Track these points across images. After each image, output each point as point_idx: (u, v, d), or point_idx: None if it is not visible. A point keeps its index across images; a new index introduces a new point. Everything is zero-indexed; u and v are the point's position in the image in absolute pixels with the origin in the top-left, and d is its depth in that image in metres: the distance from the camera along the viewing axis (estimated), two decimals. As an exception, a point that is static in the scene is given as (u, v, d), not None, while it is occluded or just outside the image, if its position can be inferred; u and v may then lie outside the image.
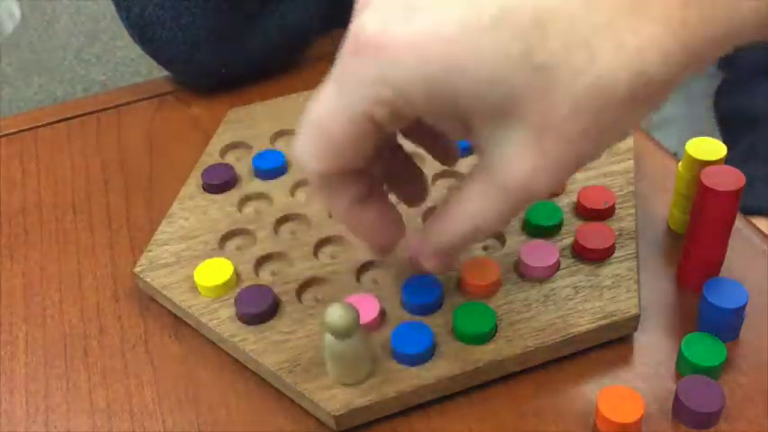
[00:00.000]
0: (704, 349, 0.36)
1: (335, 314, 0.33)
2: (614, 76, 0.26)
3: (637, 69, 0.26)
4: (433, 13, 0.27)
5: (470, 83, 0.27)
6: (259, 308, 0.38)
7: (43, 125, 0.57)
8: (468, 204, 0.31)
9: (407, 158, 0.38)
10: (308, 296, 0.40)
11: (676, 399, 0.34)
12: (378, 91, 0.28)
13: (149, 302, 0.42)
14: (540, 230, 0.41)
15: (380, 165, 0.35)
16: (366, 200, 0.33)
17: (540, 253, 0.39)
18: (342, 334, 0.33)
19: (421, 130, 0.36)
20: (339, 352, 0.34)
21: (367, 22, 0.28)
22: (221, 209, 0.45)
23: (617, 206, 0.43)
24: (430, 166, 0.46)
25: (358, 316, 0.34)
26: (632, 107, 0.27)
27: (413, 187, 0.39)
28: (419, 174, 0.39)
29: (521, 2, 0.26)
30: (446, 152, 0.39)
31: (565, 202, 0.43)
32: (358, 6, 0.30)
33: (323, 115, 0.30)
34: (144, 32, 0.55)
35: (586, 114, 0.27)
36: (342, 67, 0.29)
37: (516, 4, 0.26)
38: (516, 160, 0.28)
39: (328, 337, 0.34)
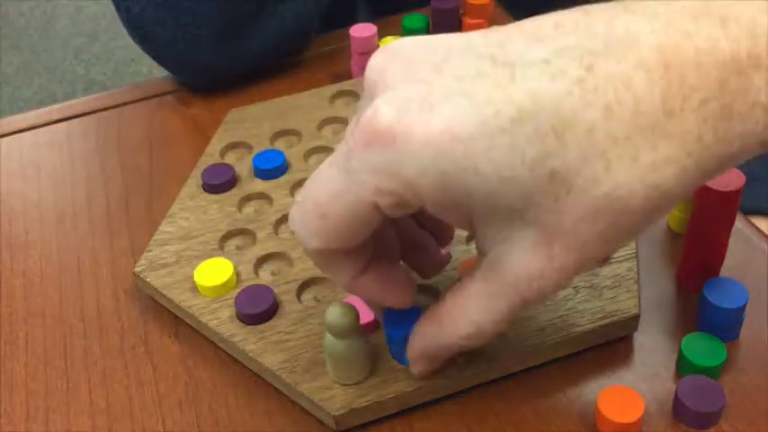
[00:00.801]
0: (704, 349, 0.36)
1: (335, 314, 0.33)
2: (630, 187, 0.26)
3: (652, 183, 0.26)
4: (451, 109, 0.26)
5: (483, 182, 0.26)
6: (259, 308, 0.38)
7: (43, 125, 0.57)
8: (469, 305, 0.31)
9: (418, 231, 0.37)
10: (308, 296, 0.40)
11: (676, 399, 0.34)
12: (387, 182, 0.27)
13: (149, 302, 0.42)
14: (540, 230, 0.41)
15: (389, 238, 0.35)
16: (367, 270, 0.33)
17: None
18: (342, 334, 0.34)
19: (422, 214, 0.35)
20: (339, 352, 0.34)
21: (382, 112, 0.27)
22: (221, 209, 0.45)
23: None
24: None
25: (358, 316, 0.34)
26: (644, 217, 0.27)
27: (424, 258, 0.37)
28: (430, 245, 0.37)
29: (540, 107, 0.26)
30: (442, 233, 0.38)
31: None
32: (368, 90, 0.29)
33: (323, 197, 0.29)
34: (144, 32, 0.55)
35: (599, 220, 0.27)
36: (350, 153, 0.28)
37: (536, 109, 0.26)
38: (524, 262, 0.28)
39: (328, 337, 0.34)
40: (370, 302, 0.36)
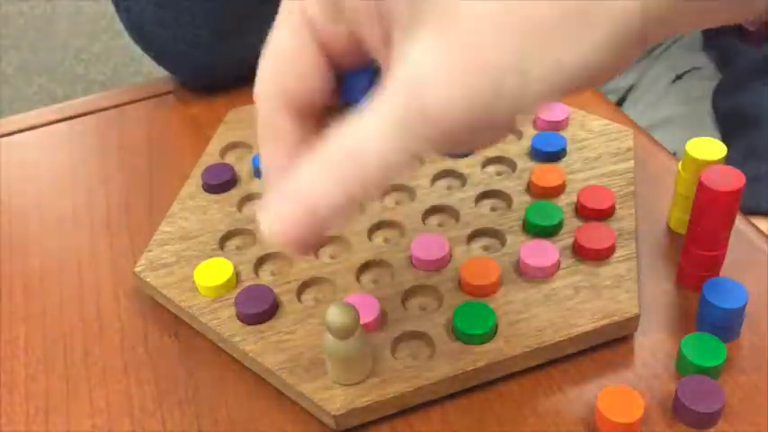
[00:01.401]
0: (704, 349, 0.36)
1: (336, 314, 0.33)
2: None
3: None
4: None
5: None
6: (259, 308, 0.38)
7: (43, 125, 0.57)
8: (360, 131, 0.24)
9: None
10: (307, 296, 0.40)
11: (676, 399, 0.34)
12: None
13: (149, 302, 0.42)
14: (540, 230, 0.41)
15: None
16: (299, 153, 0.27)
17: (540, 253, 0.39)
18: (342, 334, 0.33)
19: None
20: (339, 352, 0.34)
21: None
22: (221, 209, 0.45)
23: (617, 206, 0.43)
24: (430, 165, 0.46)
25: (358, 316, 0.34)
26: (563, 31, 0.22)
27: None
28: None
29: None
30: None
31: (565, 202, 0.43)
32: None
33: (269, 36, 0.28)
34: (143, 32, 0.55)
35: (499, 12, 0.22)
36: None
37: None
38: (419, 58, 0.23)
39: (329, 338, 0.34)
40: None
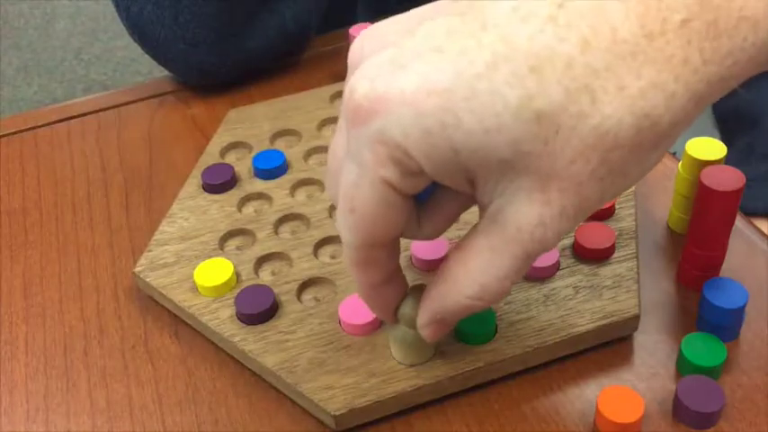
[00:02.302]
0: (704, 349, 0.36)
1: (412, 306, 0.34)
2: (619, 118, 0.25)
3: (641, 112, 0.26)
4: (423, 66, 0.26)
5: (468, 136, 0.26)
6: (259, 308, 0.38)
7: (43, 125, 0.57)
8: (471, 262, 0.29)
9: None
10: (307, 296, 0.40)
11: (676, 399, 0.34)
12: (380, 151, 0.27)
13: (149, 302, 0.42)
14: (540, 230, 0.41)
15: None
16: (392, 279, 0.33)
17: (540, 253, 0.39)
18: (414, 324, 0.34)
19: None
20: (412, 340, 0.35)
21: (356, 85, 0.27)
22: (221, 209, 0.45)
23: (617, 206, 0.43)
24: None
25: None
26: (639, 151, 0.26)
27: None
28: None
29: (514, 48, 0.25)
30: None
31: (565, 202, 0.43)
32: (350, 68, 0.29)
33: (348, 188, 0.29)
34: (143, 31, 0.55)
35: (591, 158, 0.26)
36: (348, 137, 0.28)
37: (510, 51, 0.25)
38: (523, 211, 0.27)
39: (400, 327, 0.35)
40: (376, 310, 0.35)
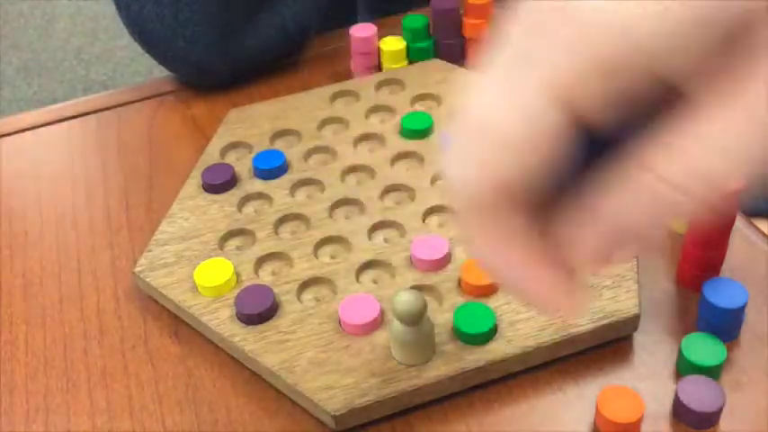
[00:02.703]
0: (704, 349, 0.36)
1: (406, 302, 0.34)
2: None
3: None
4: None
5: None
6: (259, 308, 0.38)
7: (43, 125, 0.57)
8: (709, 130, 0.21)
9: None
10: (307, 296, 0.40)
11: (676, 399, 0.34)
12: (592, 52, 0.20)
13: (149, 302, 0.42)
14: (540, 230, 0.41)
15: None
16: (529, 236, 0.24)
17: (540, 253, 0.39)
18: (413, 321, 0.34)
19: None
20: (410, 338, 0.35)
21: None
22: (221, 209, 0.45)
23: (617, 206, 0.43)
24: (430, 166, 0.46)
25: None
26: None
27: None
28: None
29: None
30: None
31: (565, 202, 0.43)
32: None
33: (491, 112, 0.22)
34: (143, 30, 0.55)
35: None
36: (518, 45, 0.22)
37: None
38: None
39: (396, 325, 0.35)
40: (527, 286, 0.25)
